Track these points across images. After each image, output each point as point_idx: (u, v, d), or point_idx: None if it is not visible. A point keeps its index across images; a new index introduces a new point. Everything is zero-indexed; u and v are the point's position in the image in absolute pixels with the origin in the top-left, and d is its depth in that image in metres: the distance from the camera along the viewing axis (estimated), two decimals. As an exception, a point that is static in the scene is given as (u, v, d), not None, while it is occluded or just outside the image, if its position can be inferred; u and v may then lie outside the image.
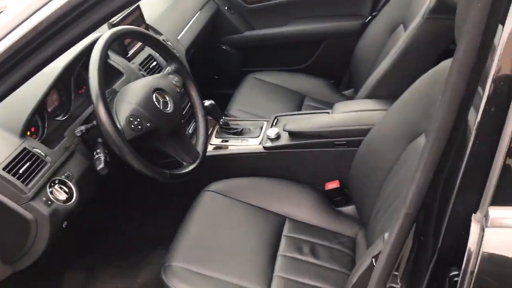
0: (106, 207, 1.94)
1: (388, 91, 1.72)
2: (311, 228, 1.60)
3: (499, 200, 0.71)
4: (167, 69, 1.50)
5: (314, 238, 1.57)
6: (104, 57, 1.24)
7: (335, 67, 2.49)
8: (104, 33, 1.32)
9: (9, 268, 1.28)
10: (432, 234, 0.81)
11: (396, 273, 0.92)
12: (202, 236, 1.49)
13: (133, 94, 1.32)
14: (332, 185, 1.68)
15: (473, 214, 0.74)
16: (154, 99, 1.34)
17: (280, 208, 1.64)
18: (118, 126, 1.22)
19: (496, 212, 0.71)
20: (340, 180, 1.68)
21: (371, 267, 1.05)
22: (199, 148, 1.47)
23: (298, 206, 1.65)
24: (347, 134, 1.62)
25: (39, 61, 0.89)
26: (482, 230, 0.72)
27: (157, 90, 1.37)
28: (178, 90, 1.45)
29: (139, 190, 2.01)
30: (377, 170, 1.47)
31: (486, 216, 0.72)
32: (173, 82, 1.44)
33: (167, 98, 1.39)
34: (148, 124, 1.29)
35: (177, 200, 1.75)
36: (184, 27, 2.09)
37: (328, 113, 1.78)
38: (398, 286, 0.92)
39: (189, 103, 1.62)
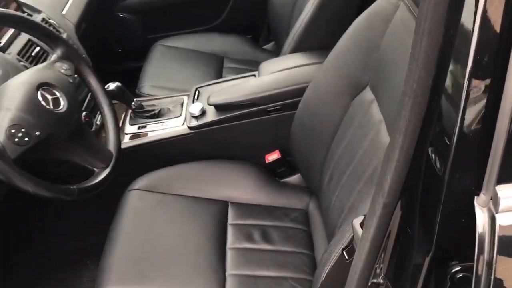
0: (15, 222, 1.64)
1: (316, 41, 1.52)
2: (257, 209, 1.42)
3: (508, 175, 0.55)
4: (52, 56, 1.20)
5: (263, 219, 1.39)
6: None
7: (250, 20, 2.25)
8: None
9: None
10: (424, 222, 0.64)
11: (377, 266, 0.76)
12: (135, 247, 1.26)
13: (11, 97, 1.02)
14: (272, 156, 1.49)
15: (476, 197, 0.57)
16: (40, 98, 1.05)
17: (219, 193, 1.43)
18: (-4, 144, 0.94)
19: (507, 192, 0.55)
20: (281, 149, 1.50)
21: (341, 260, 0.89)
22: (111, 146, 1.20)
23: (239, 186, 1.45)
24: (281, 97, 1.42)
25: None
26: (492, 217, 0.55)
27: (42, 85, 1.07)
28: (71, 80, 1.16)
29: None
30: (321, 132, 1.30)
31: (494, 198, 0.55)
32: (62, 71, 1.15)
33: (57, 94, 1.10)
34: (37, 133, 1.01)
35: (99, 204, 1.49)
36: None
37: (254, 75, 1.57)
38: (382, 282, 0.76)
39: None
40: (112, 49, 2.31)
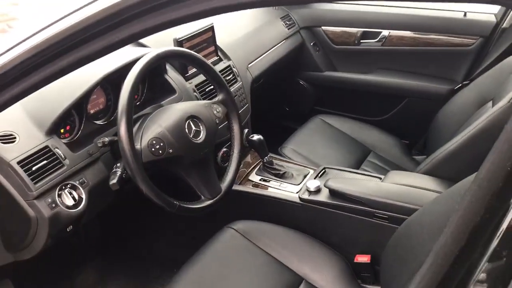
0: (123, 219, 1.92)
1: (449, 172, 1.53)
2: (327, 299, 1.46)
3: None
4: (216, 97, 1.45)
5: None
6: (141, 76, 1.20)
7: (411, 128, 2.30)
8: (151, 51, 1.29)
9: (10, 256, 1.29)
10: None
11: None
12: (209, 275, 1.41)
13: (166, 117, 1.29)
14: (363, 258, 1.52)
15: None
16: (186, 126, 1.30)
17: (299, 267, 1.51)
18: (138, 146, 1.19)
19: None
20: (373, 255, 1.52)
21: None
22: (224, 184, 1.39)
23: (320, 270, 1.51)
24: (390, 208, 1.46)
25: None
26: None
27: (192, 117, 1.32)
28: (217, 121, 1.39)
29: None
30: (412, 258, 1.29)
31: None
32: (215, 112, 1.39)
33: (201, 127, 1.33)
34: (171, 150, 1.24)
35: (199, 228, 1.69)
36: (259, 56, 2.04)
37: (380, 178, 1.63)
38: None
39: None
40: (280, 105, 2.58)
